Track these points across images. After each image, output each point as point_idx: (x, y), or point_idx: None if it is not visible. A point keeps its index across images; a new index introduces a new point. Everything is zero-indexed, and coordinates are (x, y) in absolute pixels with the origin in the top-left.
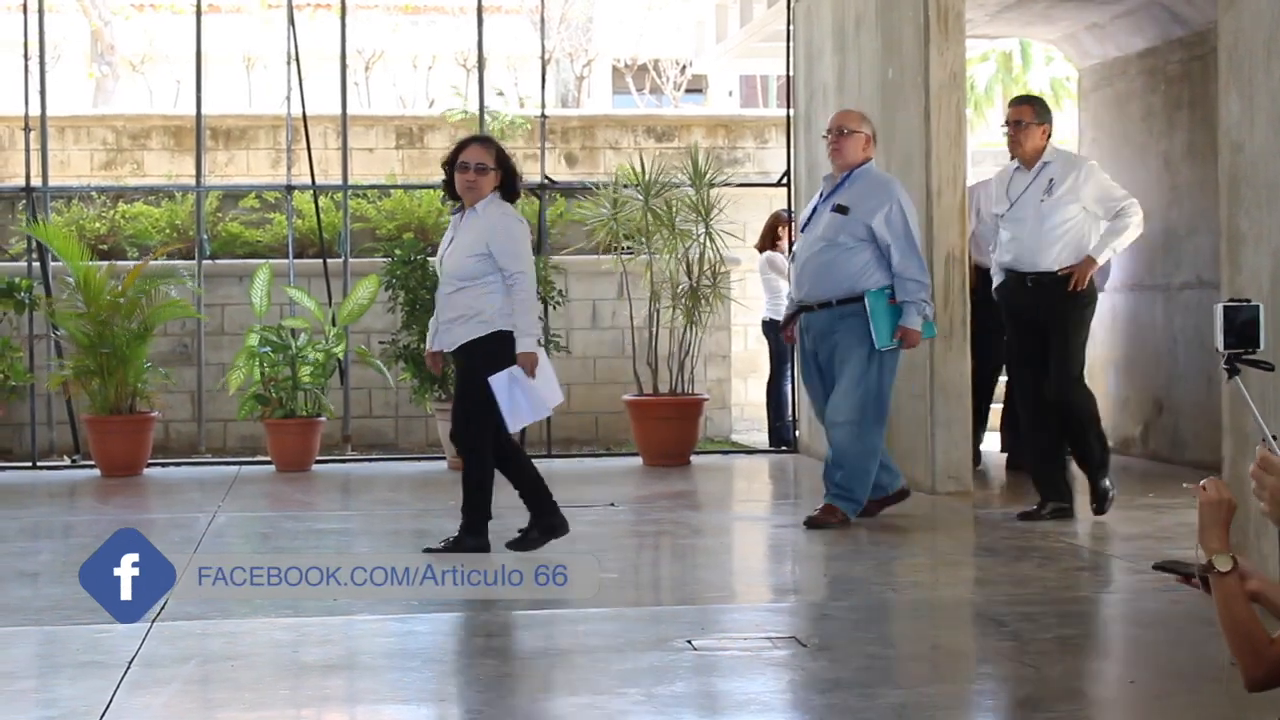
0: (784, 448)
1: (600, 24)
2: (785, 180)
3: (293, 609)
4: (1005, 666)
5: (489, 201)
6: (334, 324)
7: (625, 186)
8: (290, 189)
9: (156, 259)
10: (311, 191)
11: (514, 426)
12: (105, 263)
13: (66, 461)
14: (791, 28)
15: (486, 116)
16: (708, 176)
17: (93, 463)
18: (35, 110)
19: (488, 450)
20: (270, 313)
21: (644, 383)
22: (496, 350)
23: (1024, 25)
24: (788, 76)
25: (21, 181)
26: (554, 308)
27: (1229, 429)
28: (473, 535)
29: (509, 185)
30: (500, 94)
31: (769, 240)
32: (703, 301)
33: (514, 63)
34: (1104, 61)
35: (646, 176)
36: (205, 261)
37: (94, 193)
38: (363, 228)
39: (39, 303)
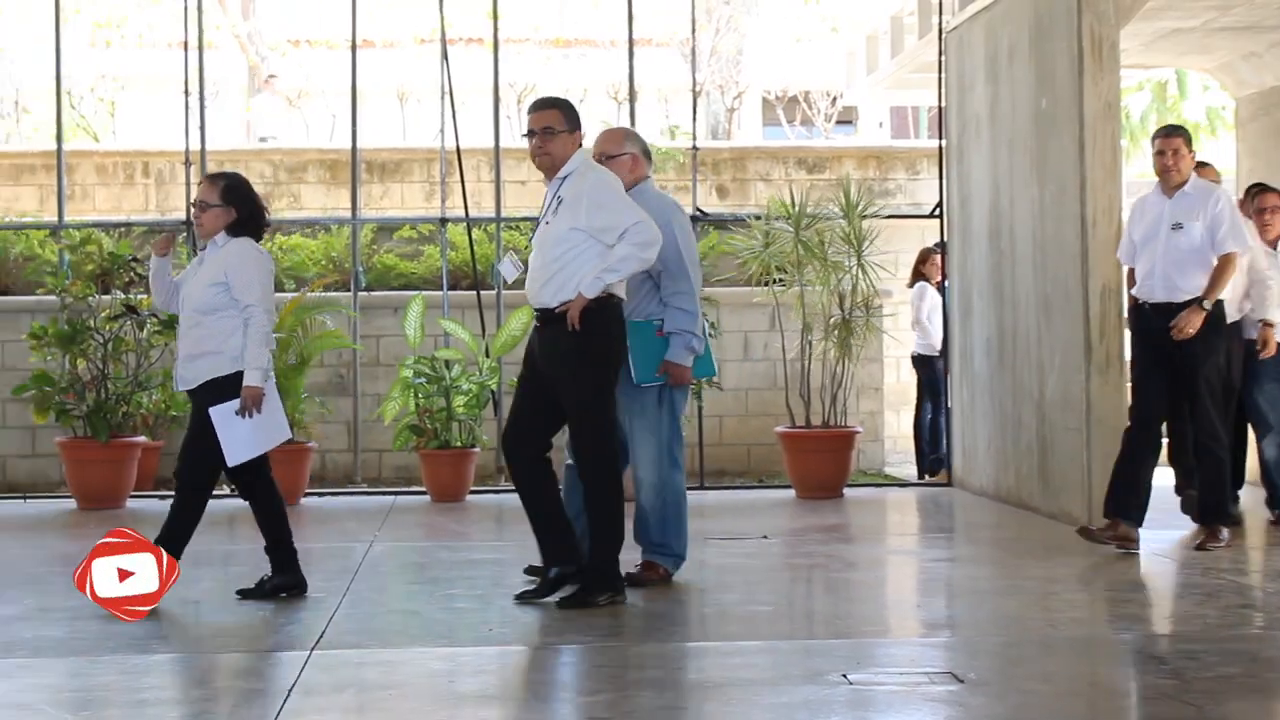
0: (938, 480)
1: (750, 56)
2: (938, 211)
3: (448, 639)
4: (1166, 706)
5: (227, 237)
6: (487, 355)
7: (777, 218)
8: (444, 221)
9: (313, 291)
10: (465, 224)
11: (232, 461)
12: None
13: (227, 490)
14: (943, 58)
15: None
16: (859, 208)
17: None
18: (195, 145)
19: (270, 483)
20: (424, 344)
21: (796, 415)
22: (237, 389)
23: (1179, 55)
24: (939, 107)
25: (183, 214)
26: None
27: None
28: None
29: (250, 221)
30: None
31: (919, 274)
32: (855, 333)
33: (665, 95)
34: (1261, 90)
35: (798, 208)
36: (360, 293)
37: None
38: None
39: None
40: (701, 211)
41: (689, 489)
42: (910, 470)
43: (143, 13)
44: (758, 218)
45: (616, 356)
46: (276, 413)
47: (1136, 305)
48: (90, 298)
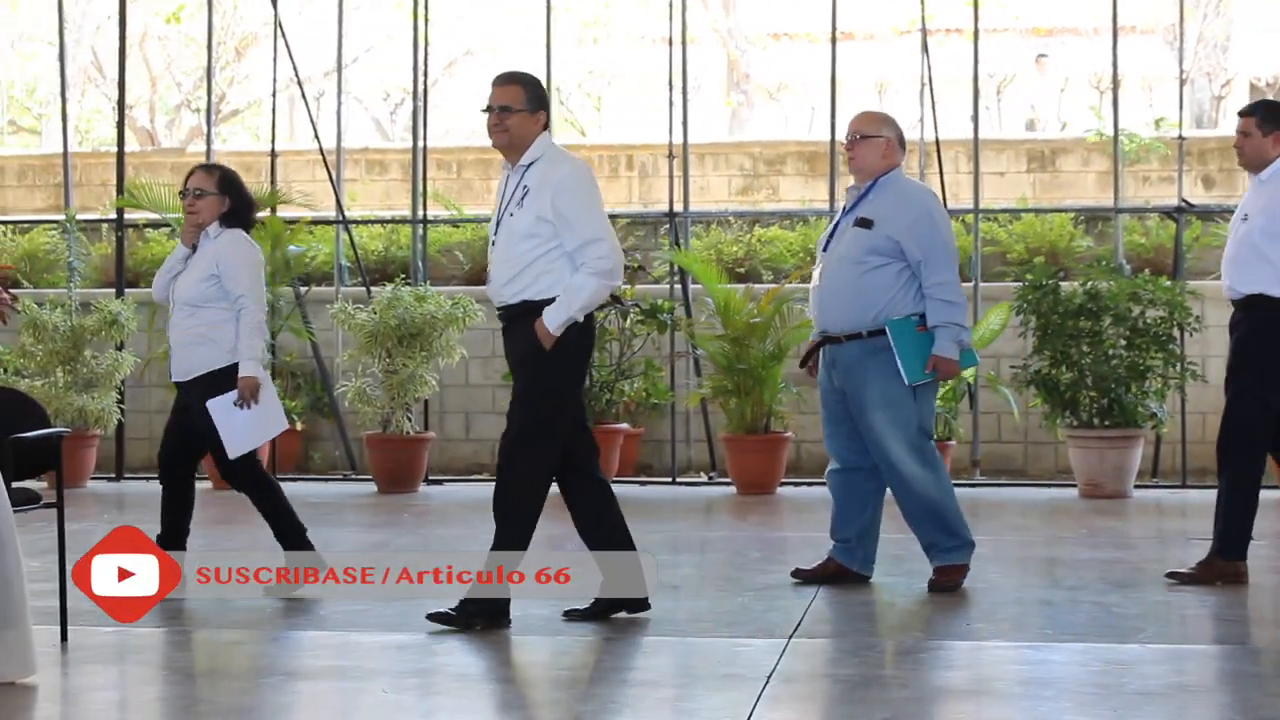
0: None
1: (1239, 42)
2: None
3: (923, 631)
4: None
5: (219, 228)
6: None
7: None
8: None
9: (791, 282)
10: None
11: (234, 453)
12: (742, 285)
13: (703, 478)
14: None
15: (1122, 138)
16: None
17: (729, 480)
18: (678, 139)
19: (263, 473)
20: None
21: None
22: (234, 381)
23: None
24: None
25: (665, 207)
26: (1190, 334)
27: None
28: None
29: (240, 213)
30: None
31: None
32: None
33: (1149, 83)
34: None
35: None
36: None
37: (731, 217)
38: (993, 251)
39: (680, 324)
40: (1187, 203)
41: (1187, 487)
42: None
43: (629, 10)
44: None
45: (589, 349)
46: (274, 403)
47: None
48: None
